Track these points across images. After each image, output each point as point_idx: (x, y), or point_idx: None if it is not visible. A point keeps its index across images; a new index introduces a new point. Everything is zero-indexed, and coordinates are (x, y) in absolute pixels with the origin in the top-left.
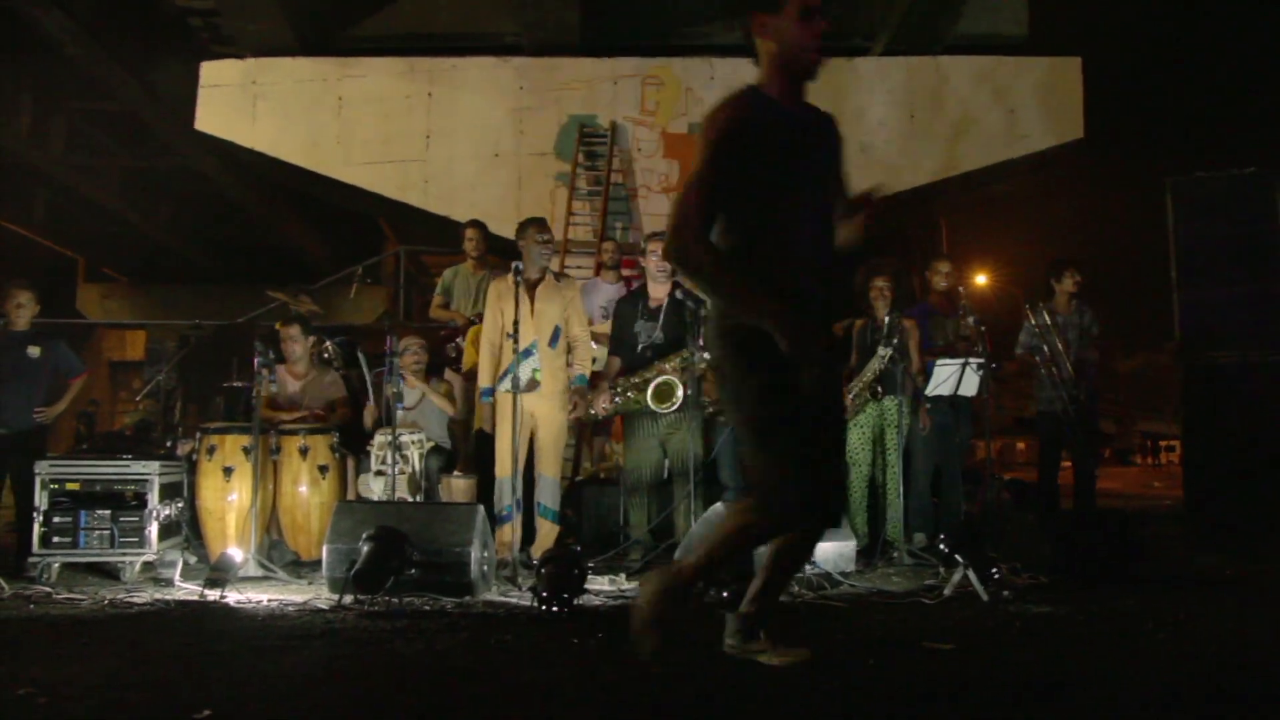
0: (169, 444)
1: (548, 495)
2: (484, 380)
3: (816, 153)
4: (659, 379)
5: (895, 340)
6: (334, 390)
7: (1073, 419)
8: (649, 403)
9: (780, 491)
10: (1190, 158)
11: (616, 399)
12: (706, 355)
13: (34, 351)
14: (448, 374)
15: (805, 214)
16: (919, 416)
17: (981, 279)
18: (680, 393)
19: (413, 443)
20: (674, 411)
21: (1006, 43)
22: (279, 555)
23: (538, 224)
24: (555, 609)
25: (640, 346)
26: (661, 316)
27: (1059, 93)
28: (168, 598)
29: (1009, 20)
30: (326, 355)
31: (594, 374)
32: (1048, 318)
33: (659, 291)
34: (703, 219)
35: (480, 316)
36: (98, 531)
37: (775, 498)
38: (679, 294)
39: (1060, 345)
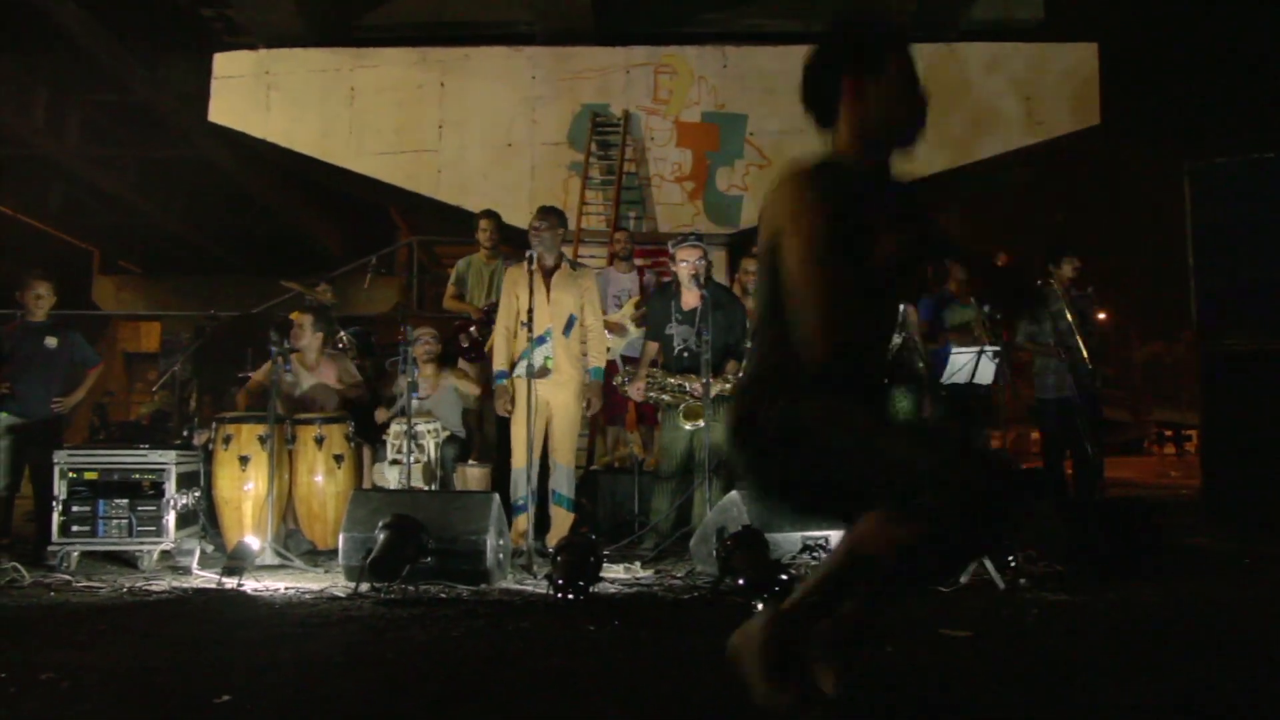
0: (185, 434)
1: (563, 483)
2: (499, 364)
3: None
4: (690, 404)
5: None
6: (348, 378)
7: (1077, 406)
8: (679, 419)
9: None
10: (1209, 143)
11: (651, 394)
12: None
13: (51, 342)
14: (461, 364)
15: None
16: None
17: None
18: (705, 418)
19: (428, 432)
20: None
21: (1023, 28)
22: (295, 544)
23: (542, 214)
24: (571, 596)
25: (677, 350)
26: (696, 321)
27: (1076, 79)
28: (185, 586)
29: (1025, 6)
30: (341, 345)
31: (609, 363)
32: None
33: (691, 297)
34: None
35: (494, 307)
36: (116, 520)
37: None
38: (701, 302)
39: (1064, 332)
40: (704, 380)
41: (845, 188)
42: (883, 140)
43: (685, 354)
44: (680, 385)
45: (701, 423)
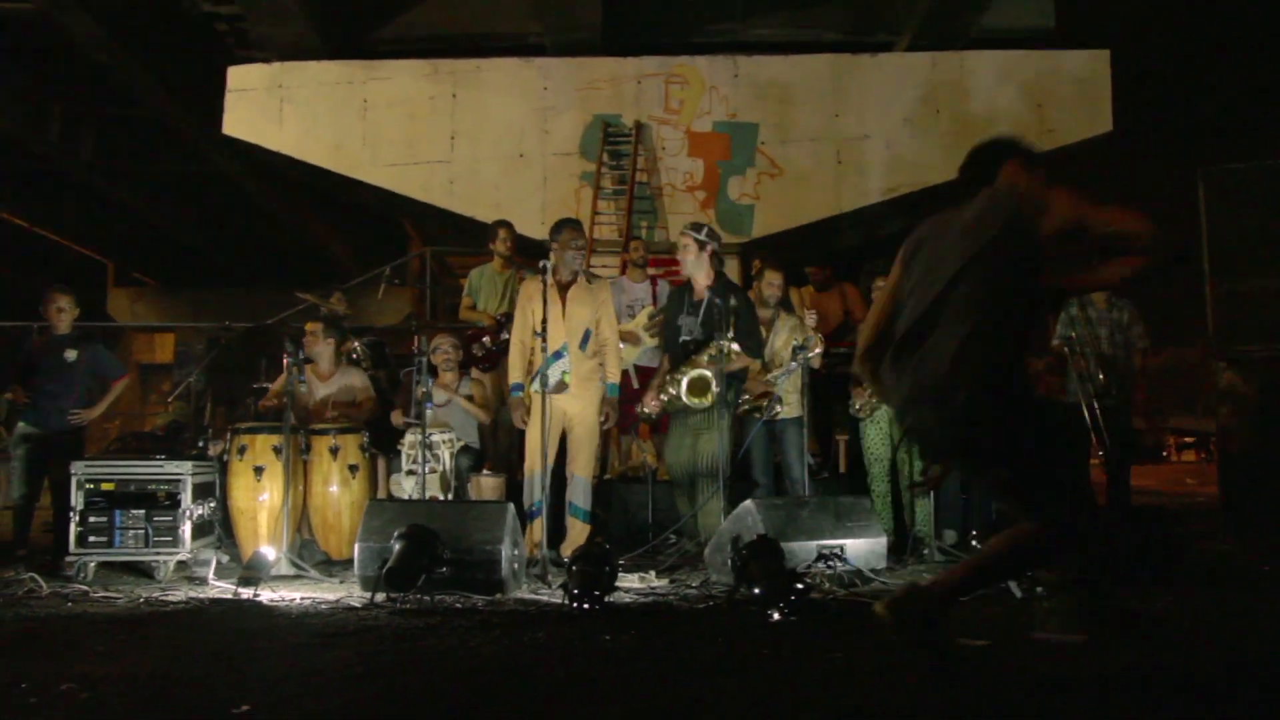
0: (200, 444)
1: (580, 495)
2: (514, 376)
3: None
4: (693, 373)
5: None
6: (361, 392)
7: (1098, 415)
8: (683, 396)
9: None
10: (1223, 148)
11: (663, 397)
12: (735, 347)
13: (70, 355)
14: (475, 373)
15: None
16: None
17: None
18: (715, 388)
19: (444, 442)
20: (707, 408)
21: (1033, 36)
22: (310, 554)
23: (573, 227)
24: (587, 606)
25: (681, 339)
26: (701, 311)
27: (1087, 85)
28: (202, 596)
29: (1035, 13)
30: (355, 356)
31: (623, 373)
32: (1077, 310)
33: (699, 285)
34: None
35: (508, 316)
36: (132, 531)
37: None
38: (709, 292)
39: (1089, 340)
40: (716, 348)
41: None
42: None
43: (690, 345)
44: (678, 378)
45: (714, 392)
